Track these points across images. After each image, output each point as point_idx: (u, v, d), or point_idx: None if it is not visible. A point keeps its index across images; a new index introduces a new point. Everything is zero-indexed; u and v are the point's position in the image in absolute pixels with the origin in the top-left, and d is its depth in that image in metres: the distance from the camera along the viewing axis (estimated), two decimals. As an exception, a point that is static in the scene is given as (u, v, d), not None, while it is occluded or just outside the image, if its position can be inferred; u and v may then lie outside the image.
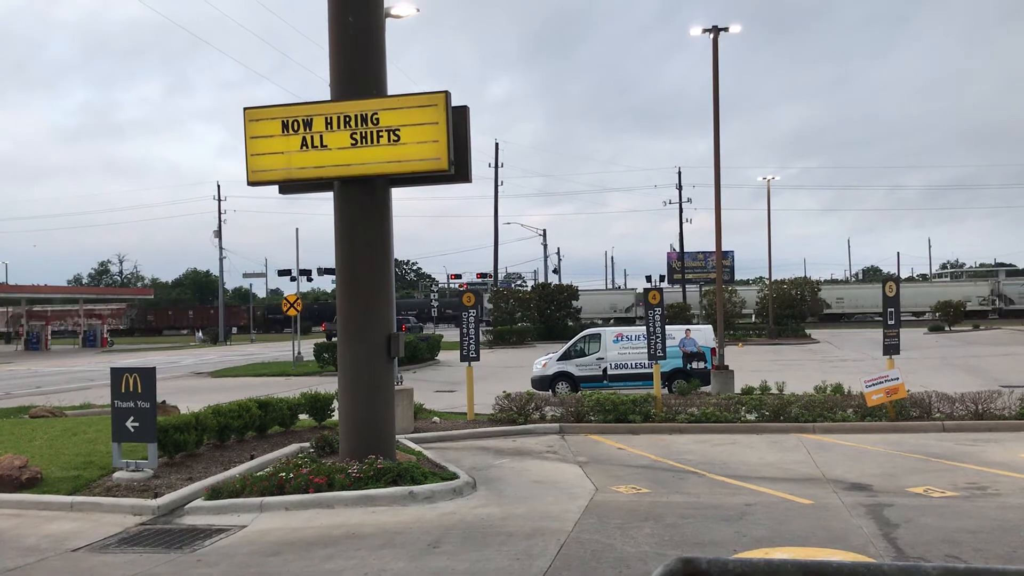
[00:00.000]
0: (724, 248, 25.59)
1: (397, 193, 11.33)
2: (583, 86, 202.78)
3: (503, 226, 78.57)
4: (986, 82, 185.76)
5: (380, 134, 10.34)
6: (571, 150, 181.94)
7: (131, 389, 11.02)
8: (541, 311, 57.36)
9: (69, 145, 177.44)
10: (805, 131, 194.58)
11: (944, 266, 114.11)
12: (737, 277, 79.56)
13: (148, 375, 11.08)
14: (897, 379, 14.54)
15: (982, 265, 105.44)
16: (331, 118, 10.41)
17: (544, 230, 78.80)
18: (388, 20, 15.34)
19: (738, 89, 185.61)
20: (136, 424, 10.96)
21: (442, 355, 38.41)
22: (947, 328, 55.36)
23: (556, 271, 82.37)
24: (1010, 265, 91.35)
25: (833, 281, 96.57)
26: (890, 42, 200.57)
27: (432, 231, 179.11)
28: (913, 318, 66.47)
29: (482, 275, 73.61)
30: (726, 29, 23.44)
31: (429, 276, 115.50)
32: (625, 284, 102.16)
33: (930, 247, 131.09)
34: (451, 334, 45.17)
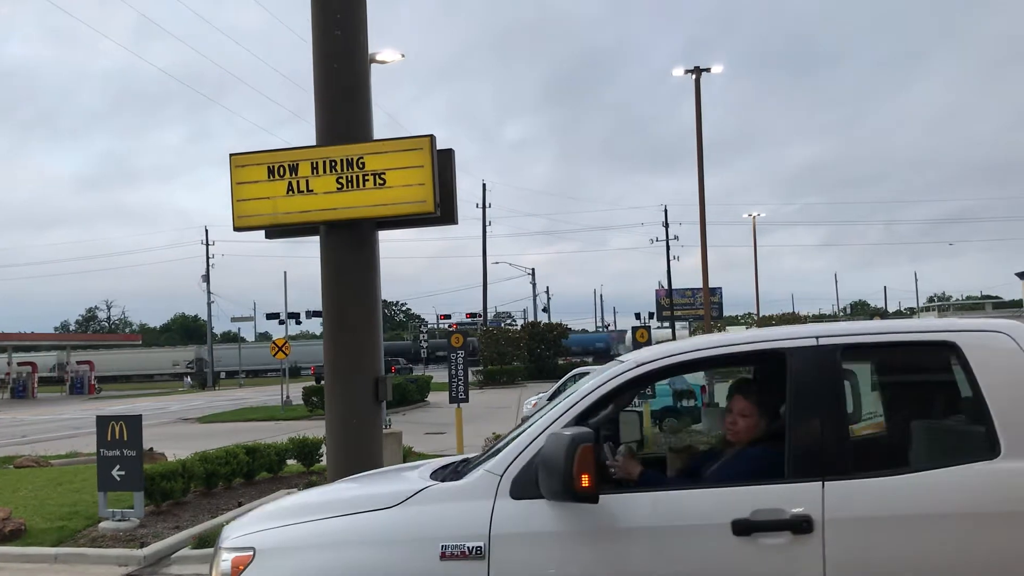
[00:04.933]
0: (713, 285, 25.68)
1: (388, 235, 11.37)
2: (596, 127, 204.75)
3: (493, 266, 78.78)
4: (994, 119, 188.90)
5: (366, 178, 10.40)
6: (579, 190, 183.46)
7: (117, 437, 10.92)
8: (531, 350, 57.26)
9: (84, 192, 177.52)
10: (814, 168, 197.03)
11: (931, 299, 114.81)
12: (727, 313, 79.78)
13: (134, 423, 10.98)
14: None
15: (968, 298, 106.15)
16: (317, 163, 10.46)
17: (533, 269, 79.06)
18: (400, 65, 15.49)
19: (749, 128, 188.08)
20: (122, 472, 10.85)
21: (432, 396, 38.24)
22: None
23: (546, 310, 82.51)
24: (996, 298, 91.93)
25: (821, 316, 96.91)
26: (902, 81, 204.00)
27: (424, 272, 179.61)
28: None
29: (472, 315, 73.59)
30: (708, 70, 23.73)
31: (418, 317, 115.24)
32: (615, 323, 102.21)
33: (916, 281, 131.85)
34: (441, 375, 44.99)
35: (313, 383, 42.16)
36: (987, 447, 3.65)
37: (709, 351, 4.21)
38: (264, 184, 10.70)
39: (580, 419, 4.00)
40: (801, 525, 3.58)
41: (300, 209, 10.63)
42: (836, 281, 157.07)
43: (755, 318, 63.53)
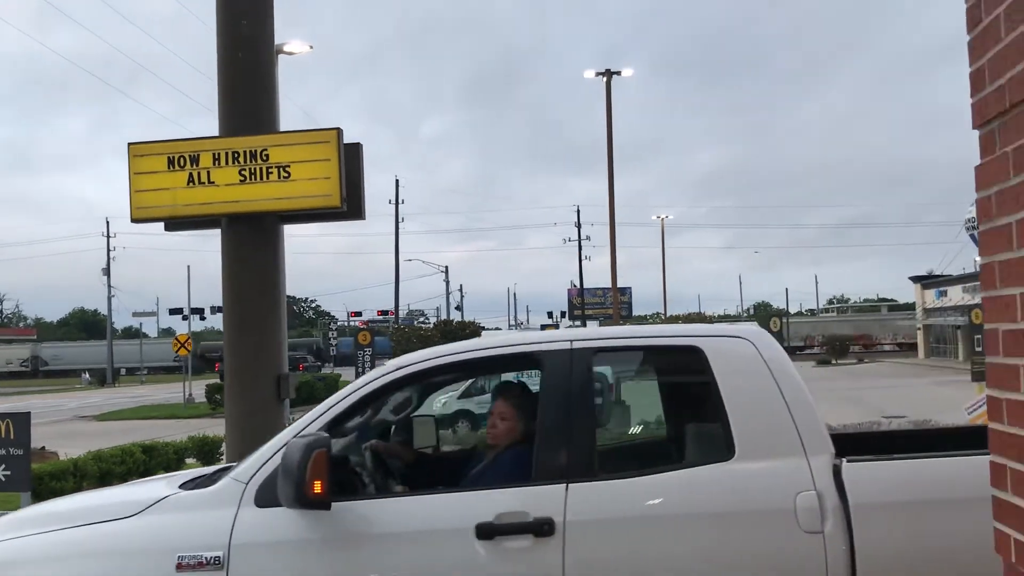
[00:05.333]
0: (623, 284, 26.05)
1: (299, 229, 11.18)
2: (514, 127, 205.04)
3: (406, 263, 78.25)
4: (894, 126, 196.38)
5: (270, 170, 10.19)
6: (496, 189, 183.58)
7: (3, 435, 10.46)
8: (442, 348, 57.17)
9: None
10: (722, 172, 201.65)
11: (831, 301, 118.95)
12: (636, 312, 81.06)
13: (21, 420, 10.54)
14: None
15: (866, 300, 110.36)
16: (219, 154, 10.20)
17: (446, 267, 78.86)
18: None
19: (663, 131, 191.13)
20: (7, 473, 10.39)
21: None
22: (833, 361, 57.62)
23: (459, 308, 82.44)
24: (892, 300, 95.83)
25: (726, 316, 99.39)
26: (810, 88, 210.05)
27: (335, 268, 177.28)
28: (803, 352, 68.90)
29: (383, 312, 73.00)
30: (619, 73, 24.07)
31: (328, 314, 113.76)
32: (528, 320, 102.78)
33: (817, 283, 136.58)
34: (350, 373, 44.51)
35: (217, 380, 41.20)
36: (724, 449, 3.73)
37: (467, 354, 4.24)
38: (164, 175, 10.39)
39: (334, 424, 3.97)
40: (543, 528, 3.59)
41: (201, 201, 10.36)
42: (740, 283, 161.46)
43: (662, 317, 64.74)
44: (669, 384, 4.72)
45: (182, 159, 10.30)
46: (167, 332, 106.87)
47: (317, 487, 3.50)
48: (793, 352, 59.39)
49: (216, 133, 10.66)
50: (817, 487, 3.57)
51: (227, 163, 10.20)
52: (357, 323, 73.13)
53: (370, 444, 4.53)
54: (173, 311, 43.95)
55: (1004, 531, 1.98)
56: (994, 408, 1.99)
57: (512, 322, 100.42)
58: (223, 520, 3.73)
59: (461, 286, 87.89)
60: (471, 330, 60.27)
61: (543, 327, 21.38)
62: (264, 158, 10.18)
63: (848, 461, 3.66)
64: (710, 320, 67.99)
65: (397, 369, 4.11)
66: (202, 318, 46.63)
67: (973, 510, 3.13)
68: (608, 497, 3.68)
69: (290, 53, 16.35)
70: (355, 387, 4.11)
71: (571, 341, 4.04)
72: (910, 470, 3.70)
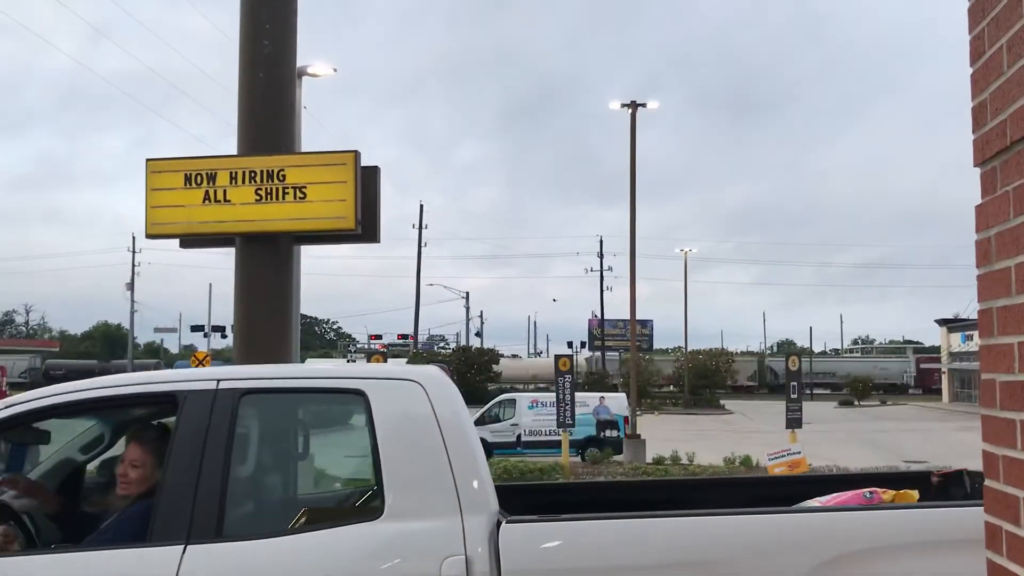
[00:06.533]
0: (646, 317, 25.93)
1: (325, 251, 11.16)
2: (546, 157, 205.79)
3: (427, 287, 78.38)
4: (922, 171, 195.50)
5: (286, 191, 10.20)
6: (525, 217, 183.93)
7: None
8: (461, 375, 57.08)
9: (16, 193, 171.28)
10: (752, 208, 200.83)
11: (856, 341, 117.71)
12: (657, 346, 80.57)
13: None
14: (799, 453, 14.74)
15: (891, 342, 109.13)
16: (236, 173, 10.23)
17: (467, 293, 78.89)
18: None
19: (694, 165, 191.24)
20: None
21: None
22: (856, 403, 56.83)
23: (479, 334, 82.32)
24: (917, 343, 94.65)
25: (748, 352, 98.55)
26: (844, 127, 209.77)
27: (359, 291, 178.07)
28: (827, 391, 68.08)
29: (403, 336, 73.07)
30: (644, 105, 24.08)
31: (349, 336, 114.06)
32: (547, 350, 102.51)
33: (842, 323, 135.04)
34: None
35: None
36: (376, 507, 3.40)
37: (88, 393, 3.70)
38: (180, 191, 10.42)
39: None
40: None
41: (216, 219, 10.36)
42: (764, 319, 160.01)
43: (684, 351, 64.31)
44: (328, 432, 4.26)
45: (199, 176, 10.33)
46: (188, 349, 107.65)
47: None
48: (812, 389, 58.76)
49: (235, 152, 10.70)
50: (468, 551, 3.23)
51: (243, 182, 10.22)
52: (376, 346, 73.26)
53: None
54: (195, 328, 44.23)
55: (999, 598, 1.83)
56: (989, 465, 1.86)
57: (532, 351, 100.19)
58: None
59: (482, 312, 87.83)
60: (489, 356, 60.24)
61: (557, 357, 21.28)
62: (281, 178, 10.19)
63: (508, 522, 3.33)
64: (731, 355, 67.45)
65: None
66: (223, 336, 46.78)
67: None
68: (231, 562, 3.26)
69: (314, 75, 16.46)
70: None
71: (217, 381, 3.61)
72: (579, 531, 3.40)
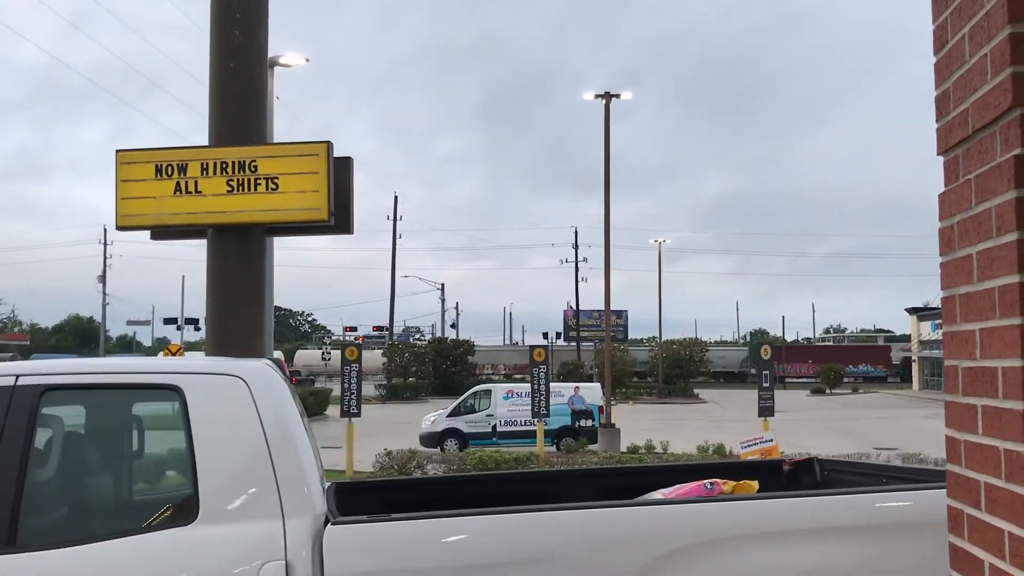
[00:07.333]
0: (622, 308, 26.02)
1: (299, 242, 11.08)
2: (525, 148, 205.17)
3: (403, 279, 78.09)
4: (896, 162, 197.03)
5: (258, 182, 10.11)
6: (503, 209, 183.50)
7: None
8: (436, 366, 56.97)
9: None
10: (728, 199, 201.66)
11: (827, 330, 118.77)
12: (632, 336, 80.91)
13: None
14: (771, 440, 14.83)
15: (863, 331, 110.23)
16: (207, 164, 10.13)
17: (442, 284, 78.81)
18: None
19: (673, 157, 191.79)
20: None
21: (332, 410, 37.59)
22: (828, 391, 57.41)
23: (454, 326, 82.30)
24: (888, 331, 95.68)
25: (722, 342, 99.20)
26: (821, 120, 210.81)
27: (334, 282, 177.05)
28: (800, 379, 68.71)
29: (379, 328, 72.83)
30: (618, 96, 24.11)
31: (324, 328, 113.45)
32: (523, 340, 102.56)
33: (814, 312, 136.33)
34: (342, 388, 44.29)
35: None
36: (190, 510, 3.23)
37: None
38: (151, 183, 10.31)
39: None
40: None
41: (187, 211, 10.26)
42: (737, 309, 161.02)
43: (658, 341, 64.59)
44: (141, 431, 4.00)
45: (170, 168, 10.22)
46: (162, 342, 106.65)
47: None
48: (783, 379, 59.28)
49: (206, 143, 10.60)
50: (289, 555, 3.11)
51: (215, 173, 10.12)
52: (352, 338, 72.94)
53: None
54: (168, 320, 43.87)
55: (961, 580, 1.86)
56: (952, 450, 1.88)
57: (508, 341, 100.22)
58: None
59: (457, 303, 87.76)
60: (465, 348, 60.19)
61: (531, 348, 21.33)
62: (252, 169, 10.11)
63: (333, 524, 3.22)
64: (705, 345, 67.85)
65: None
66: (196, 328, 46.44)
67: None
68: (24, 574, 3.09)
69: (286, 66, 16.31)
70: None
71: (16, 376, 3.37)
72: (408, 532, 3.31)
